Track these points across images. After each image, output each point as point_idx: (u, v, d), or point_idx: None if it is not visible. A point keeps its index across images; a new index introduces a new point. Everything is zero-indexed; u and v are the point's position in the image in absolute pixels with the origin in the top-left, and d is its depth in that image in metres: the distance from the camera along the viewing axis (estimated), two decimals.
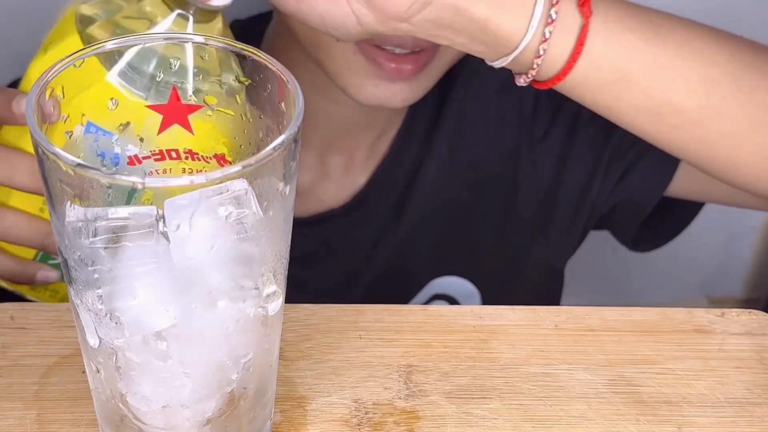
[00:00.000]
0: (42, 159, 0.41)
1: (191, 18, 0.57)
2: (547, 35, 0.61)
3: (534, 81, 0.64)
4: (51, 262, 0.65)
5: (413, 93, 0.75)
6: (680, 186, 0.86)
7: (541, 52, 0.61)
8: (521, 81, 0.64)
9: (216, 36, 0.48)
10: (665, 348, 0.59)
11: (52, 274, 0.65)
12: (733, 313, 0.61)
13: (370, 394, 0.55)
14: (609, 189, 0.87)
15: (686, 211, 0.91)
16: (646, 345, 0.59)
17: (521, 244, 0.90)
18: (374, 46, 0.71)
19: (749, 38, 0.68)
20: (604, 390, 0.56)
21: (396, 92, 0.74)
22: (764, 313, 0.61)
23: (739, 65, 0.65)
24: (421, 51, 0.72)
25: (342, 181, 0.86)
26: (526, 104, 0.86)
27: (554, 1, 0.60)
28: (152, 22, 0.57)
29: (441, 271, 0.89)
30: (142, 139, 0.49)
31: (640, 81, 0.63)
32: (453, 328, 0.59)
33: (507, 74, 0.81)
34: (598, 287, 1.48)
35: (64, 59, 0.45)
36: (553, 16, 0.60)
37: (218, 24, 0.59)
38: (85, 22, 0.58)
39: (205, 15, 0.58)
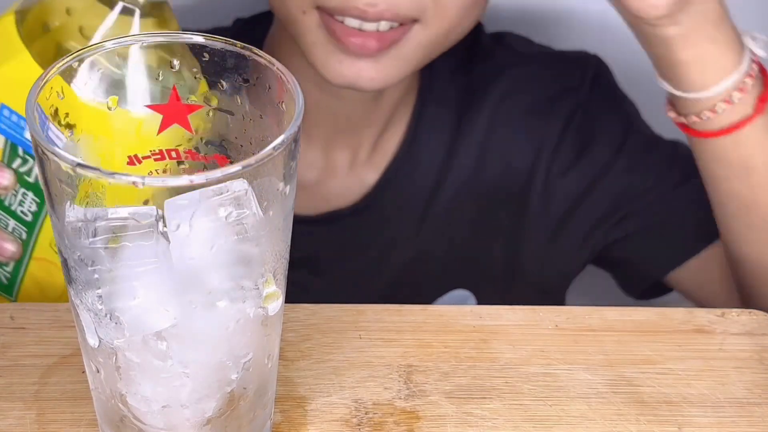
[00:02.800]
0: (42, 159, 0.41)
1: (138, 11, 0.55)
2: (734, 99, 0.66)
3: (685, 126, 0.69)
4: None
5: (380, 74, 0.74)
6: (682, 276, 0.89)
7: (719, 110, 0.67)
8: (672, 115, 0.70)
9: (212, 36, 0.48)
10: (665, 348, 0.59)
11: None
12: (733, 313, 0.61)
13: (370, 394, 0.55)
14: (608, 241, 0.88)
15: None
16: (646, 345, 0.59)
17: (527, 266, 0.89)
18: (336, 19, 0.71)
19: None
20: (604, 390, 0.56)
21: (362, 70, 0.73)
22: (764, 313, 0.61)
23: None
24: (390, 30, 0.72)
25: (348, 179, 0.86)
26: (551, 136, 0.85)
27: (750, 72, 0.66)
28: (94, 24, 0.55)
29: (450, 286, 0.88)
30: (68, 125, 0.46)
31: None
32: (453, 328, 0.59)
33: (535, 99, 0.82)
34: (598, 287, 1.48)
35: (64, 59, 0.45)
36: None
37: (167, 17, 0.56)
38: (29, 35, 0.56)
39: (152, 8, 0.55)
